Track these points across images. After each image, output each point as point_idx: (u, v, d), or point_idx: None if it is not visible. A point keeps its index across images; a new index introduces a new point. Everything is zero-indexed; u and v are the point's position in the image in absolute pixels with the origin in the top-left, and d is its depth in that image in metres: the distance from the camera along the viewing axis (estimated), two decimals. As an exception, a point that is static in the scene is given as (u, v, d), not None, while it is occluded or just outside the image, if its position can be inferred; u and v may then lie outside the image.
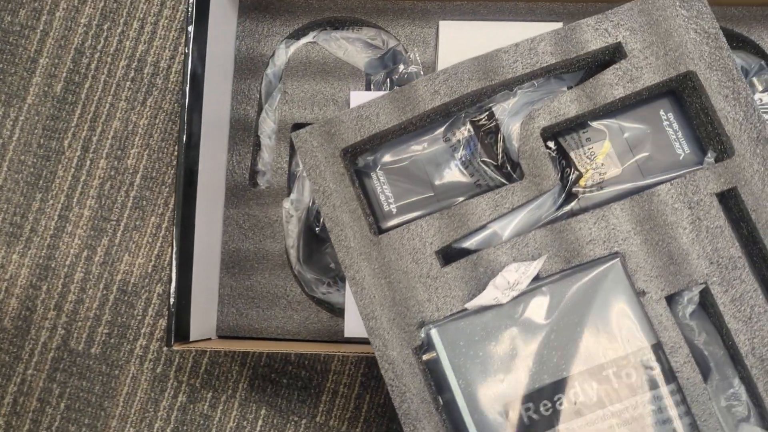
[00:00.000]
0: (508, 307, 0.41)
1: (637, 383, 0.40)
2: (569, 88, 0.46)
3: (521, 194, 0.43)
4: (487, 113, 0.45)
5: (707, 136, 0.44)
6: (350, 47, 0.58)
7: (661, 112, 0.45)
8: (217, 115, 0.56)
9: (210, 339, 0.55)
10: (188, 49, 0.51)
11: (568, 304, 0.41)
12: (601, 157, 0.45)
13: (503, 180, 0.45)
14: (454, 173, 0.45)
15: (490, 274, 0.42)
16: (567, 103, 0.43)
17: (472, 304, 0.41)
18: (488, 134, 0.45)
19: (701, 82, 0.42)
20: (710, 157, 0.44)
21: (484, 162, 0.45)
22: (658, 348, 0.40)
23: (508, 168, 0.45)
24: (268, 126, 0.58)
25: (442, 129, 0.46)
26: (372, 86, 0.57)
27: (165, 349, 0.64)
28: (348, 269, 0.43)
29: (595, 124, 0.46)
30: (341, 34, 0.58)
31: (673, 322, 0.41)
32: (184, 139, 0.50)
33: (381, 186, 0.45)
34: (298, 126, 0.57)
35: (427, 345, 0.42)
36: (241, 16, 0.59)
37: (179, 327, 0.49)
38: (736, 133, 0.42)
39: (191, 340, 0.51)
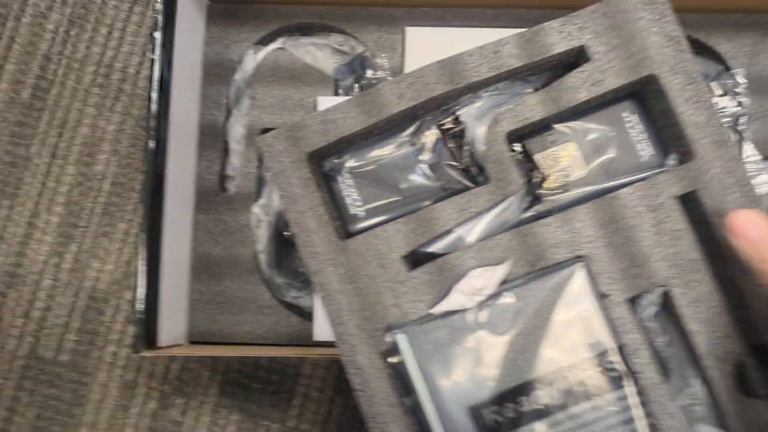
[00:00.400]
0: (473, 311, 0.41)
1: (599, 385, 0.40)
2: (535, 89, 0.46)
3: (486, 198, 0.43)
4: (452, 117, 0.46)
5: (669, 138, 0.44)
6: (318, 53, 0.58)
7: (625, 114, 0.46)
8: (186, 120, 0.56)
9: (180, 345, 0.55)
10: (155, 55, 0.51)
11: (533, 308, 0.41)
12: (566, 160, 0.46)
13: (469, 184, 0.45)
14: (420, 177, 0.46)
15: (456, 278, 0.42)
16: (531, 107, 0.43)
17: (437, 309, 0.41)
18: (454, 138, 0.46)
19: (663, 85, 0.43)
20: (672, 160, 0.44)
21: (450, 166, 0.45)
22: (620, 350, 0.41)
23: (474, 171, 0.45)
24: (236, 131, 0.58)
25: (408, 132, 0.46)
26: (340, 91, 0.58)
27: (135, 355, 0.64)
28: (315, 275, 0.43)
29: (560, 126, 0.46)
30: (309, 40, 0.59)
31: (635, 324, 0.41)
32: (152, 144, 0.50)
33: (348, 189, 0.46)
34: (267, 131, 0.57)
35: (394, 349, 0.42)
36: (209, 22, 0.59)
37: (147, 333, 0.49)
38: (697, 137, 0.42)
39: (160, 346, 0.51)
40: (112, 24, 0.68)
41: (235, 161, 0.58)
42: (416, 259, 0.44)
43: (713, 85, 0.55)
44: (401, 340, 0.41)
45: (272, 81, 0.58)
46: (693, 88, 0.43)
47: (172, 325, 0.53)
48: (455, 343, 0.41)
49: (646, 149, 0.45)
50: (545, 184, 0.45)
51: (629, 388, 0.40)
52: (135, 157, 0.66)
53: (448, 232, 0.43)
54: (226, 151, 0.58)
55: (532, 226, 0.43)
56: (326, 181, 0.46)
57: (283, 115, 0.58)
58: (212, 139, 0.58)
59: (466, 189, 0.44)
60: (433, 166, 0.46)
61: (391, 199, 0.46)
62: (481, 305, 0.41)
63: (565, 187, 0.45)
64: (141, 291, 0.49)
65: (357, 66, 0.59)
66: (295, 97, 0.58)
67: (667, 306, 0.43)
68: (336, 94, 0.58)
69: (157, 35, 0.51)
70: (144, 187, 0.50)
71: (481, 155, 0.44)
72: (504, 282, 0.42)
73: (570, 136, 0.46)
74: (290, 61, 0.58)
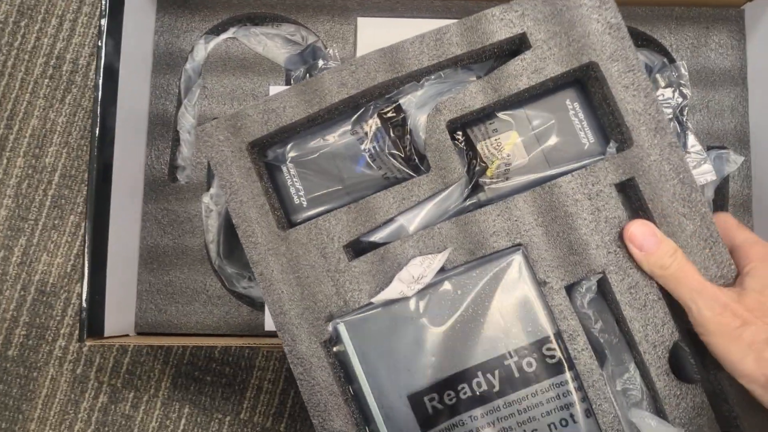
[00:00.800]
0: (413, 300, 0.41)
1: (537, 371, 0.41)
2: (478, 77, 0.46)
3: (427, 187, 0.43)
4: (394, 105, 0.45)
5: (609, 125, 0.45)
6: (270, 43, 0.58)
7: (567, 102, 0.46)
8: (135, 109, 0.56)
9: (127, 335, 0.54)
10: (101, 42, 0.50)
11: (472, 296, 0.41)
12: (509, 148, 0.46)
13: (411, 172, 0.45)
14: (362, 166, 0.45)
15: (397, 267, 0.42)
16: (472, 96, 0.43)
17: (378, 298, 0.41)
18: (396, 127, 0.45)
19: (602, 72, 0.43)
20: (612, 148, 0.45)
21: (391, 154, 0.45)
22: (558, 337, 0.41)
23: (416, 160, 0.45)
24: (187, 121, 0.58)
25: (350, 121, 0.46)
26: (292, 81, 0.58)
27: (85, 349, 0.63)
28: (256, 265, 0.43)
29: (502, 114, 0.46)
30: (261, 30, 0.59)
31: (572, 311, 0.42)
32: (97, 132, 0.50)
33: (291, 179, 0.45)
34: (217, 121, 0.57)
35: (336, 339, 0.42)
36: (159, 11, 0.59)
37: (92, 322, 0.49)
38: (635, 124, 0.43)
39: (106, 335, 0.50)
40: (63, 15, 0.67)
41: (185, 151, 0.58)
42: (358, 248, 0.44)
43: (657, 76, 0.56)
44: (342, 329, 0.41)
45: (223, 71, 0.58)
46: (631, 76, 0.43)
47: (119, 315, 0.53)
48: (395, 332, 0.41)
49: (587, 137, 0.46)
50: (487, 173, 0.45)
51: (566, 374, 0.41)
52: (86, 149, 0.65)
53: (390, 221, 0.43)
54: (176, 141, 0.58)
55: (473, 214, 0.43)
56: (269, 170, 0.46)
57: (234, 104, 0.57)
58: (162, 128, 0.58)
59: (408, 178, 0.44)
60: (374, 155, 0.45)
61: (333, 189, 0.45)
62: (421, 294, 0.41)
63: (506, 175, 0.45)
64: (86, 280, 0.49)
65: (309, 56, 0.59)
66: (246, 87, 0.58)
67: (603, 292, 0.44)
68: (288, 83, 0.58)
69: (104, 22, 0.51)
70: (89, 176, 0.49)
71: (422, 144, 0.44)
72: (443, 270, 0.42)
73: (512, 125, 0.46)
74: (241, 51, 0.58)
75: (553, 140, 0.46)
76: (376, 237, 0.43)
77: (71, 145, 0.65)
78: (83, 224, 0.64)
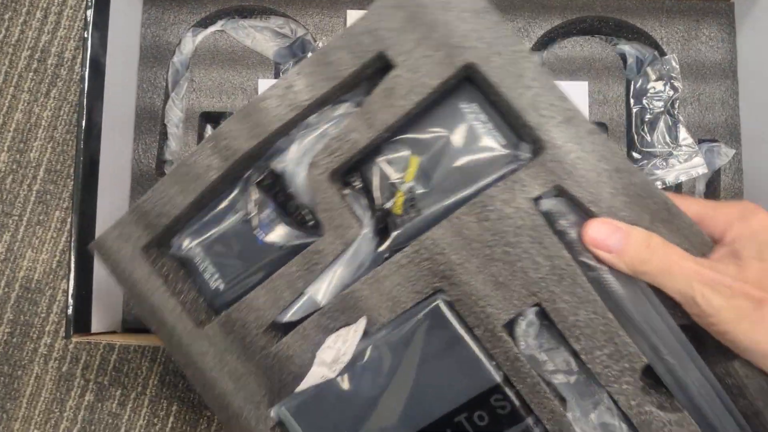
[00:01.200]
0: (344, 375, 0.39)
1: (491, 424, 0.38)
2: (357, 104, 0.40)
3: (327, 251, 0.39)
4: (268, 171, 0.41)
5: (515, 127, 0.38)
6: (258, 36, 0.58)
7: (463, 105, 0.39)
8: (122, 103, 0.55)
9: (114, 332, 0.53)
10: (87, 34, 0.50)
11: (403, 356, 0.38)
12: (411, 177, 0.39)
13: (308, 238, 0.41)
14: (259, 241, 0.42)
15: (319, 342, 0.40)
16: (346, 139, 0.38)
17: (301, 387, 0.39)
18: (278, 193, 0.41)
19: (484, 70, 0.36)
20: (525, 152, 0.38)
21: (284, 223, 0.41)
22: (505, 384, 0.37)
23: (311, 222, 0.41)
24: (174, 115, 0.57)
25: (232, 198, 0.42)
26: (281, 74, 0.57)
27: (71, 346, 0.62)
28: (185, 368, 0.41)
29: (393, 142, 0.40)
30: (249, 22, 0.58)
31: (515, 352, 0.37)
32: (84, 125, 0.49)
33: (203, 264, 0.42)
34: (206, 115, 0.56)
35: (282, 423, 0.41)
36: (146, 3, 0.58)
37: (79, 318, 0.48)
38: (539, 122, 0.36)
39: (93, 332, 0.49)
40: (48, 8, 0.66)
41: (173, 145, 0.57)
42: (286, 327, 0.41)
43: (649, 69, 0.56)
44: (285, 414, 0.40)
45: (211, 64, 0.57)
46: (519, 65, 0.36)
47: (107, 312, 0.52)
48: (336, 408, 0.39)
49: (496, 140, 0.39)
50: (394, 211, 0.39)
51: (525, 422, 0.37)
52: (71, 144, 0.64)
53: (300, 296, 0.40)
54: (163, 135, 0.57)
55: (382, 268, 0.38)
56: (179, 261, 0.43)
57: (222, 98, 0.57)
58: (150, 122, 0.57)
59: (308, 244, 0.40)
60: (265, 228, 0.42)
61: (246, 267, 0.42)
62: (350, 366, 0.38)
63: (417, 208, 0.39)
64: (72, 275, 0.48)
65: (298, 49, 0.58)
66: (234, 81, 0.57)
67: (546, 324, 0.38)
68: (276, 77, 0.57)
69: (90, 14, 0.50)
70: (75, 170, 0.49)
71: (309, 204, 0.40)
72: (367, 335, 0.39)
73: (408, 150, 0.40)
74: (229, 44, 0.57)
75: (457, 154, 0.39)
76: (289, 317, 0.40)
77: (56, 139, 0.64)
78: (69, 220, 0.63)
